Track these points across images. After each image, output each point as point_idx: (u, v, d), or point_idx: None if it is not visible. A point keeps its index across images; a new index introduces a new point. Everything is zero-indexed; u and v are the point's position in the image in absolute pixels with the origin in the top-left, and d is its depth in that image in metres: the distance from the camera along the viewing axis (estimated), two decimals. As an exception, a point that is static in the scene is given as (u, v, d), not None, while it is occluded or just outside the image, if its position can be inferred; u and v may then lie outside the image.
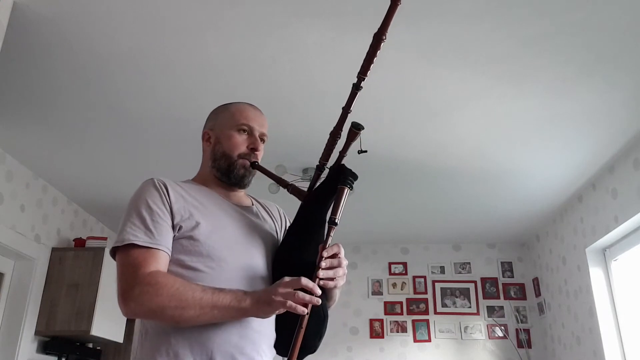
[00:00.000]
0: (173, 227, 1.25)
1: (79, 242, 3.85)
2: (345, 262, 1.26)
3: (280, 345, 1.29)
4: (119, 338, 3.92)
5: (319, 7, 2.05)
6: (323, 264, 1.20)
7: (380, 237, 4.89)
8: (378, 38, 1.23)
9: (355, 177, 1.30)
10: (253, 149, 1.41)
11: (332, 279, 1.22)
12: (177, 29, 2.19)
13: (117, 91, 2.62)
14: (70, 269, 3.66)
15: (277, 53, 2.33)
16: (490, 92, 2.60)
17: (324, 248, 1.22)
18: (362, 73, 1.27)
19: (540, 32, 2.17)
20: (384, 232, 4.73)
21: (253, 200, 1.51)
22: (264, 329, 1.25)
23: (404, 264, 5.00)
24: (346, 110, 1.32)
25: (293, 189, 1.41)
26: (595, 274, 3.63)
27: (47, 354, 3.57)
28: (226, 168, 1.40)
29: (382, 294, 4.90)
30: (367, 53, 1.25)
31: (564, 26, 2.14)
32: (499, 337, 4.70)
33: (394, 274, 4.98)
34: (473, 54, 2.32)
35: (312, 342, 1.26)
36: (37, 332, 3.48)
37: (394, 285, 4.94)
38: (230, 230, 1.31)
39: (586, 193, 3.66)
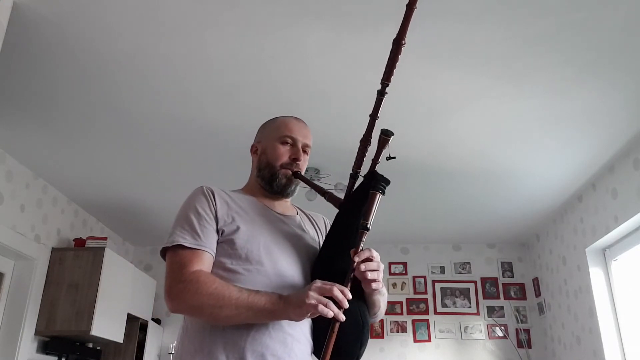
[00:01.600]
0: (217, 231, 1.33)
1: (79, 242, 3.85)
2: (381, 266, 1.28)
3: (318, 352, 1.30)
4: (119, 338, 3.92)
5: (319, 7, 2.05)
6: (362, 266, 1.23)
7: (380, 237, 4.89)
8: (398, 43, 1.25)
9: (387, 182, 1.33)
10: (295, 159, 1.46)
11: (373, 281, 1.25)
12: (177, 29, 2.19)
13: (117, 91, 2.62)
14: (70, 269, 3.66)
15: (277, 53, 2.33)
16: (490, 92, 2.60)
17: (355, 253, 1.24)
18: (386, 79, 1.30)
19: (541, 32, 2.17)
20: (384, 232, 4.73)
21: (298, 210, 1.56)
22: (296, 333, 1.27)
23: (404, 264, 5.00)
24: (374, 117, 1.35)
25: (330, 197, 1.46)
26: (595, 274, 3.63)
27: (47, 354, 3.57)
28: (269, 177, 1.47)
29: (382, 294, 4.90)
30: (389, 58, 1.27)
31: (564, 26, 2.14)
32: (499, 337, 4.70)
33: (394, 274, 4.98)
34: (473, 54, 2.32)
35: (352, 349, 1.28)
36: (37, 332, 3.48)
37: (394, 285, 4.94)
38: (269, 236, 1.36)
39: (586, 193, 3.66)
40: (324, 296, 1.16)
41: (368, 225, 1.27)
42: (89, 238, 3.89)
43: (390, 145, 1.33)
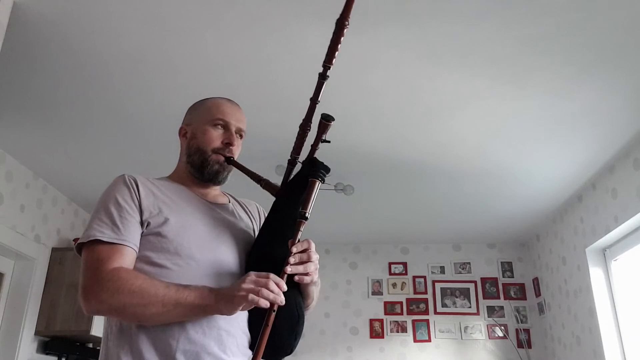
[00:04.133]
0: (141, 223, 1.23)
1: (79, 242, 3.85)
2: (315, 257, 1.22)
3: (254, 345, 1.25)
4: (119, 338, 3.92)
5: (318, 7, 2.05)
6: (292, 259, 1.17)
7: (380, 237, 4.89)
8: (340, 24, 1.21)
9: (327, 169, 1.28)
10: (228, 144, 1.38)
11: (305, 274, 1.19)
12: (177, 28, 2.19)
13: (117, 91, 2.62)
14: (70, 269, 3.66)
15: (276, 53, 2.33)
16: (490, 92, 2.60)
17: (293, 243, 1.19)
18: (328, 62, 1.24)
19: (541, 32, 2.17)
20: (384, 232, 4.73)
21: (230, 198, 1.48)
22: (232, 328, 1.20)
23: (404, 264, 5.00)
24: (314, 101, 1.30)
25: (266, 184, 1.38)
26: (595, 274, 3.63)
27: (47, 354, 3.57)
28: (200, 164, 1.38)
29: (382, 294, 4.90)
30: (331, 40, 1.22)
31: (564, 26, 2.14)
32: (499, 337, 4.70)
33: (394, 274, 4.98)
34: (473, 54, 2.32)
35: (287, 341, 1.22)
36: (37, 332, 3.48)
37: (394, 285, 4.94)
38: (200, 227, 1.28)
39: (586, 193, 3.66)
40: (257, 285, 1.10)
41: (307, 215, 1.21)
42: (89, 238, 3.89)
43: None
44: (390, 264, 5.01)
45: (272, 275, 1.12)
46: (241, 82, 2.54)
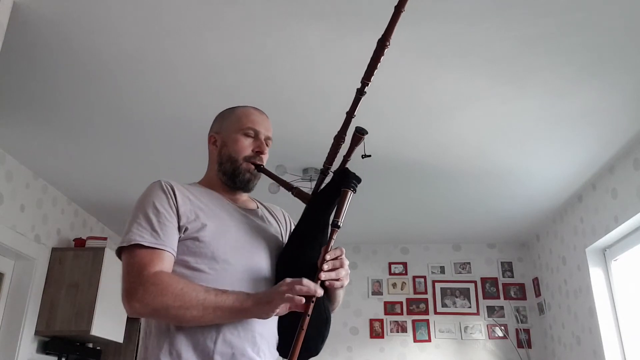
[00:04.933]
0: (179, 228, 1.27)
1: (79, 242, 3.85)
2: (347, 263, 1.27)
3: (283, 347, 1.30)
4: (119, 338, 3.92)
5: (319, 7, 2.05)
6: (325, 266, 1.21)
7: (380, 237, 4.89)
8: (382, 44, 1.23)
9: (358, 180, 1.31)
10: (258, 152, 1.42)
11: (336, 280, 1.24)
12: (177, 29, 2.19)
13: (117, 91, 2.62)
14: (70, 269, 3.66)
15: (277, 53, 2.33)
16: (490, 93, 2.60)
17: (326, 250, 1.23)
18: (366, 78, 1.28)
19: (540, 32, 2.17)
20: (384, 232, 4.73)
21: (258, 204, 1.52)
22: (265, 332, 1.26)
23: (404, 264, 5.00)
24: (350, 114, 1.32)
25: (297, 192, 1.42)
26: (595, 274, 3.63)
27: (47, 354, 3.57)
28: (232, 172, 1.41)
29: (382, 294, 4.90)
30: (371, 58, 1.26)
31: (564, 26, 2.14)
32: (499, 337, 4.70)
33: (394, 274, 4.98)
34: (473, 54, 2.32)
35: (314, 345, 1.26)
36: (37, 332, 3.48)
37: (394, 285, 4.94)
38: (235, 233, 1.32)
39: (586, 193, 3.66)
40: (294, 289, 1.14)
41: (339, 223, 1.24)
42: (89, 238, 3.89)
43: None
44: (390, 264, 5.01)
45: (305, 281, 1.16)
46: (241, 82, 2.54)
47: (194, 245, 1.26)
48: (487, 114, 2.79)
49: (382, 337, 4.74)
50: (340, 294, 1.39)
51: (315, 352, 1.28)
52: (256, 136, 1.43)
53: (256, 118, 1.45)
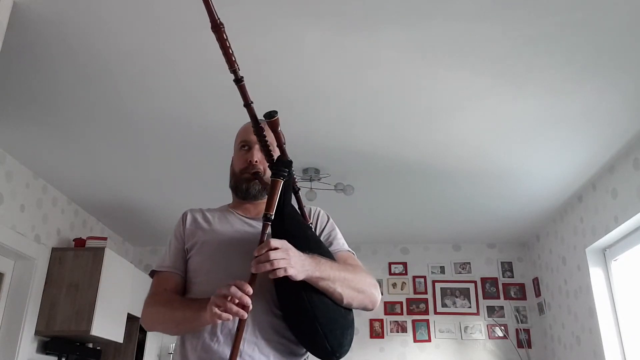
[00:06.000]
0: (186, 250, 1.42)
1: (79, 242, 3.85)
2: (275, 252, 1.16)
3: (309, 346, 1.28)
4: (119, 338, 3.92)
5: (318, 7, 2.05)
6: (252, 264, 1.16)
7: (380, 237, 4.89)
8: (215, 30, 1.19)
9: (287, 164, 1.26)
10: (250, 162, 1.46)
11: (272, 270, 1.15)
12: (177, 28, 2.19)
13: (117, 91, 2.62)
14: (70, 269, 3.66)
15: (276, 53, 2.33)
16: (490, 92, 2.60)
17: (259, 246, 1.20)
18: (231, 66, 1.23)
19: (541, 32, 2.17)
20: (384, 232, 4.73)
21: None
22: (247, 335, 1.24)
23: (404, 264, 5.00)
24: (248, 104, 1.28)
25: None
26: (595, 274, 3.63)
27: (47, 354, 3.57)
28: (234, 186, 1.51)
29: (382, 294, 4.89)
30: (220, 47, 1.21)
31: (564, 26, 2.14)
32: (499, 337, 4.70)
33: (394, 274, 4.98)
34: (473, 54, 2.32)
35: (314, 339, 1.23)
36: (37, 332, 3.48)
37: (394, 285, 4.94)
38: (223, 242, 1.38)
39: (586, 193, 3.66)
40: (225, 298, 1.11)
41: (269, 215, 1.19)
42: (89, 238, 3.89)
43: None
44: (390, 264, 5.01)
45: (236, 283, 1.12)
46: (241, 82, 2.54)
47: (190, 262, 1.40)
48: (487, 114, 2.79)
49: (382, 337, 4.74)
50: (329, 285, 1.25)
51: (330, 347, 1.23)
52: (250, 147, 1.49)
53: (246, 130, 1.50)
